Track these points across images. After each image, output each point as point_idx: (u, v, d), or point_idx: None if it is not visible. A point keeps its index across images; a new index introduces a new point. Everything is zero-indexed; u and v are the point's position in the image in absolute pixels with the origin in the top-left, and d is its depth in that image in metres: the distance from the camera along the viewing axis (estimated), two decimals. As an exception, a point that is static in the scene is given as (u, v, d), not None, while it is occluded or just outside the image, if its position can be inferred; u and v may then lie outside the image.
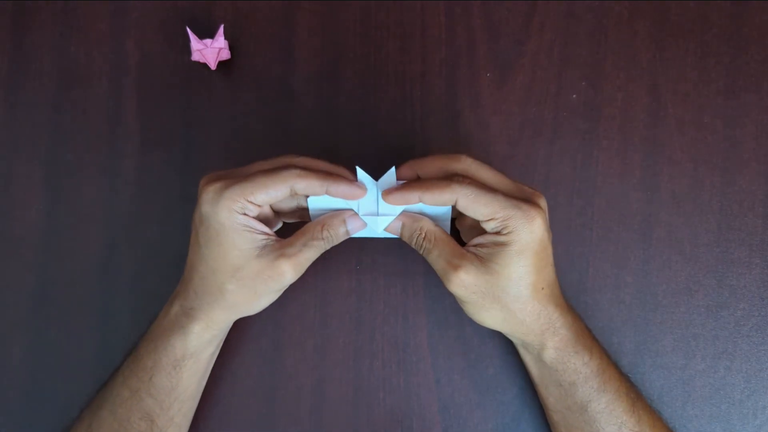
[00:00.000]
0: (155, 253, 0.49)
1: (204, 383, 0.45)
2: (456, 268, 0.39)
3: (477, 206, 0.38)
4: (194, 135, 0.50)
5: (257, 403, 0.49)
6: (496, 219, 0.39)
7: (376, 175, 0.41)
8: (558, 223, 0.49)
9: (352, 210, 0.42)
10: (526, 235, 0.38)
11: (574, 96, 0.49)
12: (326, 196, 0.41)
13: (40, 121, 0.50)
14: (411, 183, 0.40)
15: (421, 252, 0.41)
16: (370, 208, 0.42)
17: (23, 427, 0.49)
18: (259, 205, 0.39)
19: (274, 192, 0.39)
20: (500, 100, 0.49)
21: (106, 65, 0.50)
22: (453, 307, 0.49)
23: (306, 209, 0.43)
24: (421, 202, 0.39)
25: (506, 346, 0.48)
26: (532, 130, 0.49)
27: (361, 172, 0.41)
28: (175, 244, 0.49)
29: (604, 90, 0.49)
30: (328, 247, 0.41)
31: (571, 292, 0.48)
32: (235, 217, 0.38)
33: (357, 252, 0.49)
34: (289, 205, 0.43)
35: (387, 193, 0.40)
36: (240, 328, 0.49)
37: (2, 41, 0.50)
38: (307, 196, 0.42)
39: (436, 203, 0.39)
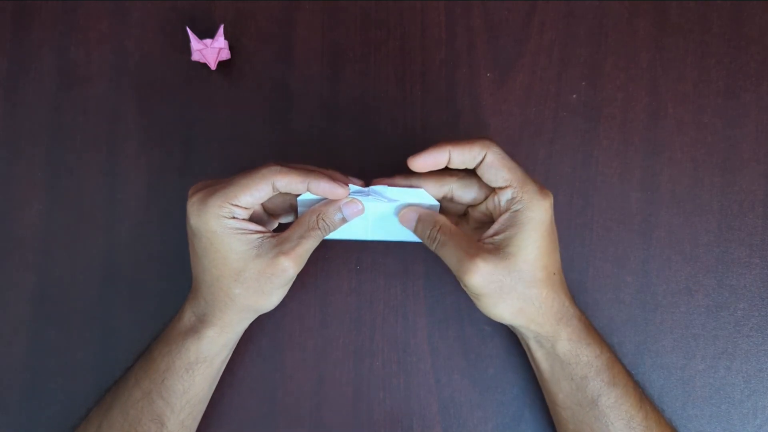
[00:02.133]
0: (155, 253, 0.49)
1: (214, 387, 0.45)
2: (473, 256, 0.39)
3: (501, 168, 0.39)
4: (194, 135, 0.50)
5: (257, 403, 0.49)
6: (513, 187, 0.39)
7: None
8: (558, 223, 0.49)
9: (352, 199, 0.41)
10: (539, 212, 0.39)
11: (574, 96, 0.49)
12: (316, 197, 0.41)
13: (40, 121, 0.50)
14: (439, 142, 0.39)
15: (434, 246, 0.41)
16: (363, 219, 0.43)
17: (23, 427, 0.49)
18: (245, 208, 0.39)
19: (257, 192, 0.39)
20: (500, 100, 0.49)
21: (106, 65, 0.50)
22: (453, 307, 0.49)
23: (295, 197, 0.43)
24: (450, 159, 0.39)
25: (506, 346, 0.48)
26: (532, 130, 0.49)
27: (353, 188, 0.41)
28: (175, 244, 0.49)
29: (604, 90, 0.49)
30: (325, 236, 0.41)
31: (571, 292, 0.48)
32: (224, 223, 0.39)
33: (357, 252, 0.49)
34: (281, 205, 0.43)
35: (414, 157, 0.39)
36: (240, 328, 0.49)
37: (2, 41, 0.50)
38: (297, 196, 0.42)
39: (464, 161, 0.39)
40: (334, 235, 0.43)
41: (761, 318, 0.48)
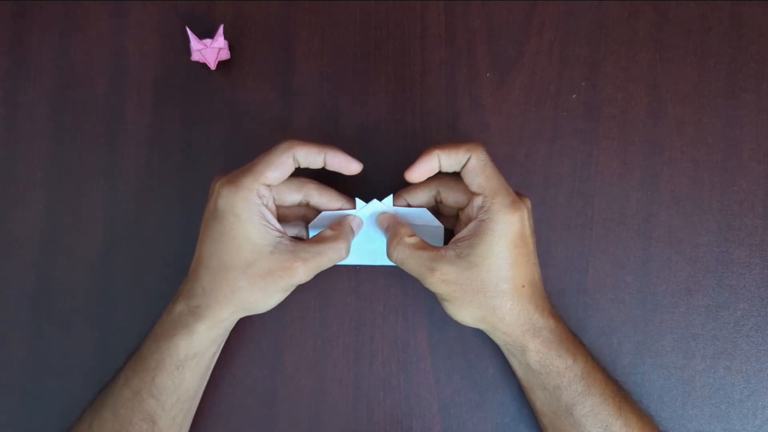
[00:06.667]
0: (155, 253, 0.49)
1: (205, 383, 0.45)
2: (433, 270, 0.40)
3: (480, 174, 0.40)
4: (194, 135, 0.50)
5: (257, 404, 0.49)
6: (485, 196, 0.40)
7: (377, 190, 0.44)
8: (558, 223, 0.49)
9: (354, 216, 0.44)
10: (505, 224, 0.39)
11: (574, 96, 0.49)
12: (325, 218, 0.43)
13: (40, 121, 0.50)
14: (429, 148, 0.40)
15: (394, 260, 0.42)
16: (374, 235, 0.45)
17: (23, 427, 0.49)
18: (269, 186, 0.40)
19: (281, 165, 0.40)
20: (500, 100, 0.49)
21: (106, 65, 0.50)
22: (453, 307, 0.49)
23: (309, 209, 0.45)
24: (440, 162, 0.40)
25: (506, 346, 0.48)
26: (532, 130, 0.49)
27: (360, 202, 0.43)
28: (175, 245, 0.49)
29: (604, 90, 0.49)
30: (344, 256, 0.41)
31: (571, 292, 0.48)
32: (251, 208, 0.39)
33: (357, 252, 0.49)
34: (293, 199, 0.44)
35: (408, 169, 0.41)
36: (240, 328, 0.49)
37: (2, 41, 0.50)
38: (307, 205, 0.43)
39: (451, 164, 0.40)
40: (349, 261, 0.45)
41: (761, 318, 0.48)
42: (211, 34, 0.48)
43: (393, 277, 0.49)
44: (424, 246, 0.41)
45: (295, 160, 0.40)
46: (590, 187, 0.49)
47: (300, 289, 0.49)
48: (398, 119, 0.49)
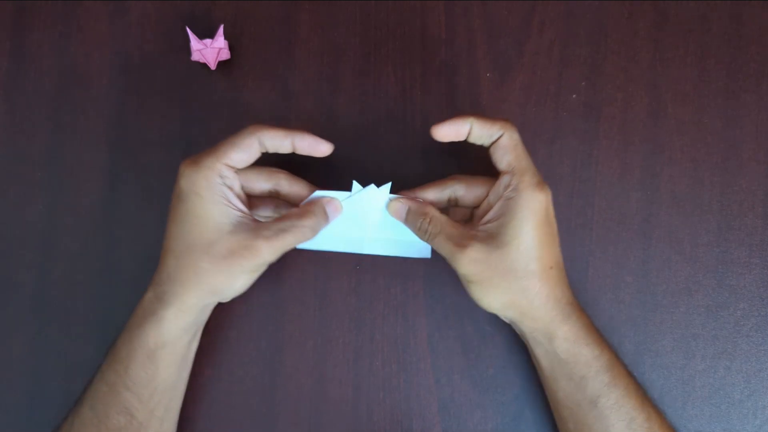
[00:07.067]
0: (155, 253, 0.49)
1: (185, 374, 0.44)
2: (464, 247, 0.39)
3: (510, 152, 0.40)
4: (194, 135, 0.50)
5: (257, 403, 0.49)
6: (513, 174, 0.40)
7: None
8: (558, 223, 0.49)
9: (332, 198, 0.43)
10: (533, 202, 0.39)
11: (574, 96, 0.49)
12: (317, 198, 0.42)
13: (40, 121, 0.50)
14: (461, 113, 0.40)
15: (426, 237, 0.41)
16: (362, 222, 0.44)
17: (23, 427, 0.49)
18: (233, 167, 0.40)
19: (247, 148, 0.40)
20: (500, 100, 0.49)
21: (106, 65, 0.50)
22: (453, 307, 0.49)
23: (279, 198, 0.44)
24: (471, 131, 0.40)
25: (506, 346, 0.48)
26: (532, 130, 0.49)
27: (356, 185, 0.42)
28: (175, 244, 0.49)
29: (604, 90, 0.49)
30: (308, 236, 0.41)
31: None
32: (213, 187, 0.39)
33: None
34: (263, 187, 0.43)
35: (436, 126, 0.40)
36: (240, 327, 0.49)
37: (2, 41, 0.50)
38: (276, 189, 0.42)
39: (482, 135, 0.40)
40: (330, 247, 0.44)
41: (761, 318, 0.48)
42: (211, 34, 0.48)
43: (393, 277, 0.49)
44: (455, 223, 0.41)
45: (261, 144, 0.40)
46: (590, 187, 0.49)
47: (300, 289, 0.49)
48: (398, 119, 0.49)
